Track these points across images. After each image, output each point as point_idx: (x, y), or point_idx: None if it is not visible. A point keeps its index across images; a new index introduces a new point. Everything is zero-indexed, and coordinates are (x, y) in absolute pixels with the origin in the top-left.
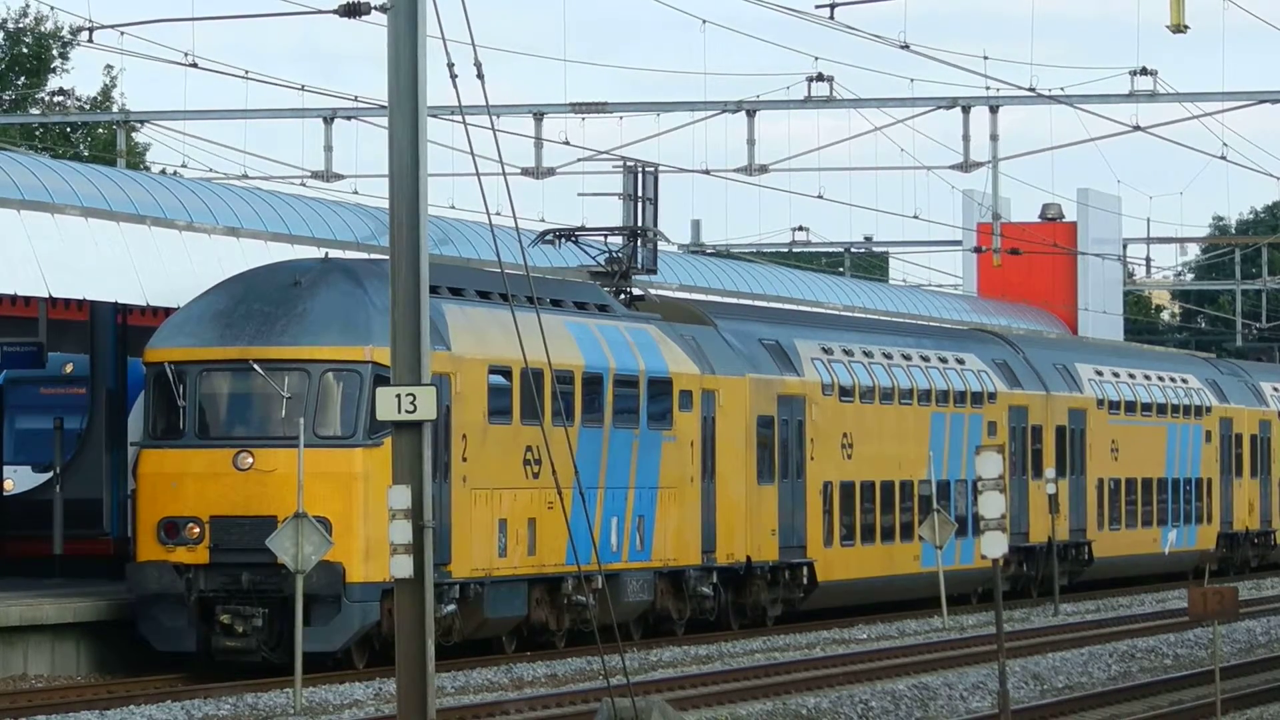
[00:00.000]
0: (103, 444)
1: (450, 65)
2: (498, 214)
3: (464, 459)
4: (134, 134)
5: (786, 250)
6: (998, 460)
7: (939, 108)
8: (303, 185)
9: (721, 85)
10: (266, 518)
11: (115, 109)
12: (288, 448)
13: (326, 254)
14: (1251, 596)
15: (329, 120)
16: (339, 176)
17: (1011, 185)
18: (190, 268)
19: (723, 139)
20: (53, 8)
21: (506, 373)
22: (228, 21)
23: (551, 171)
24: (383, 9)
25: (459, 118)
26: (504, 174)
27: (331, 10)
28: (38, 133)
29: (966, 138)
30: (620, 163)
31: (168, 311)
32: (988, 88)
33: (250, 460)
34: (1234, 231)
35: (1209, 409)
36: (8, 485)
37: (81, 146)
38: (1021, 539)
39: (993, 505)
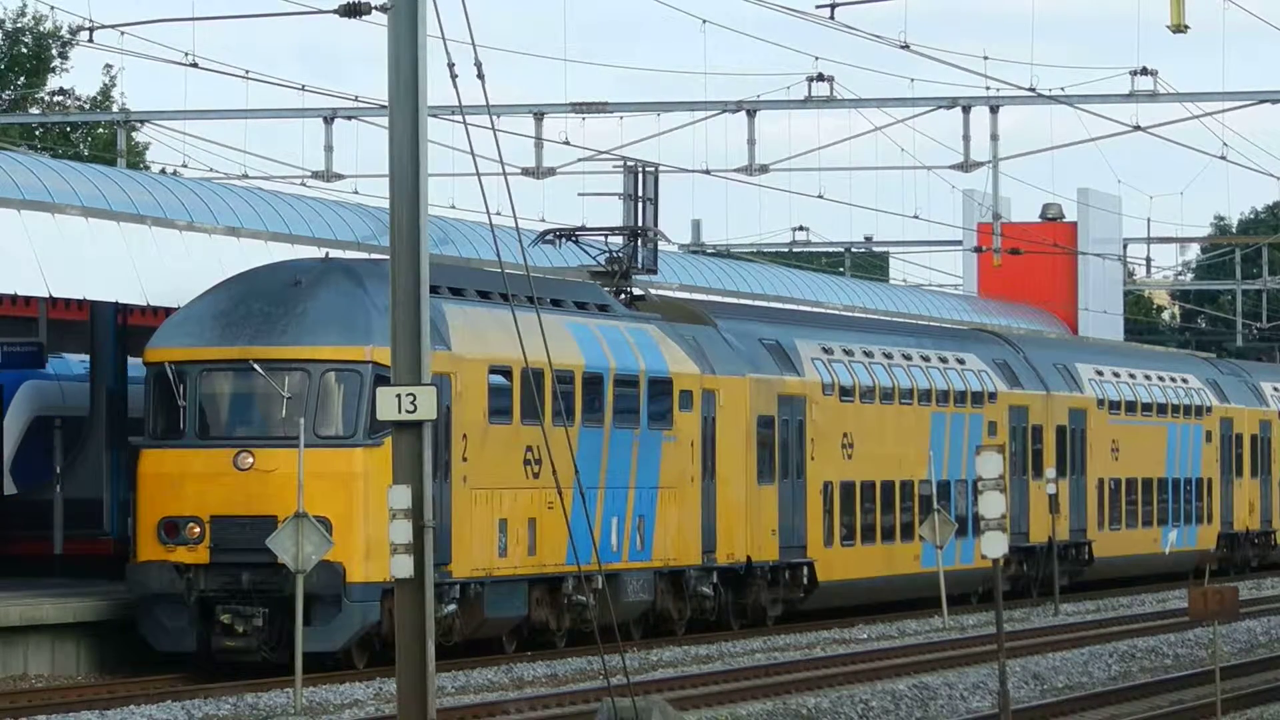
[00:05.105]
0: (103, 444)
1: (450, 65)
2: (498, 214)
3: (464, 459)
4: (134, 134)
5: (786, 250)
6: (998, 460)
7: (939, 108)
8: (303, 185)
9: (722, 85)
10: (267, 517)
11: (115, 109)
12: (288, 447)
13: (327, 254)
14: (1251, 596)
15: (329, 120)
16: (339, 176)
17: (1011, 185)
18: (190, 268)
19: (723, 139)
20: (52, 7)
21: (507, 372)
22: (228, 21)
23: (552, 171)
24: (383, 9)
25: (459, 118)
26: (504, 174)
27: (331, 10)
28: (38, 133)
29: (966, 138)
30: (620, 163)
31: (168, 311)
32: (988, 88)
33: (250, 460)
34: (1234, 231)
35: (1209, 409)
36: None
37: (81, 146)
38: (1022, 539)
39: (993, 505)
